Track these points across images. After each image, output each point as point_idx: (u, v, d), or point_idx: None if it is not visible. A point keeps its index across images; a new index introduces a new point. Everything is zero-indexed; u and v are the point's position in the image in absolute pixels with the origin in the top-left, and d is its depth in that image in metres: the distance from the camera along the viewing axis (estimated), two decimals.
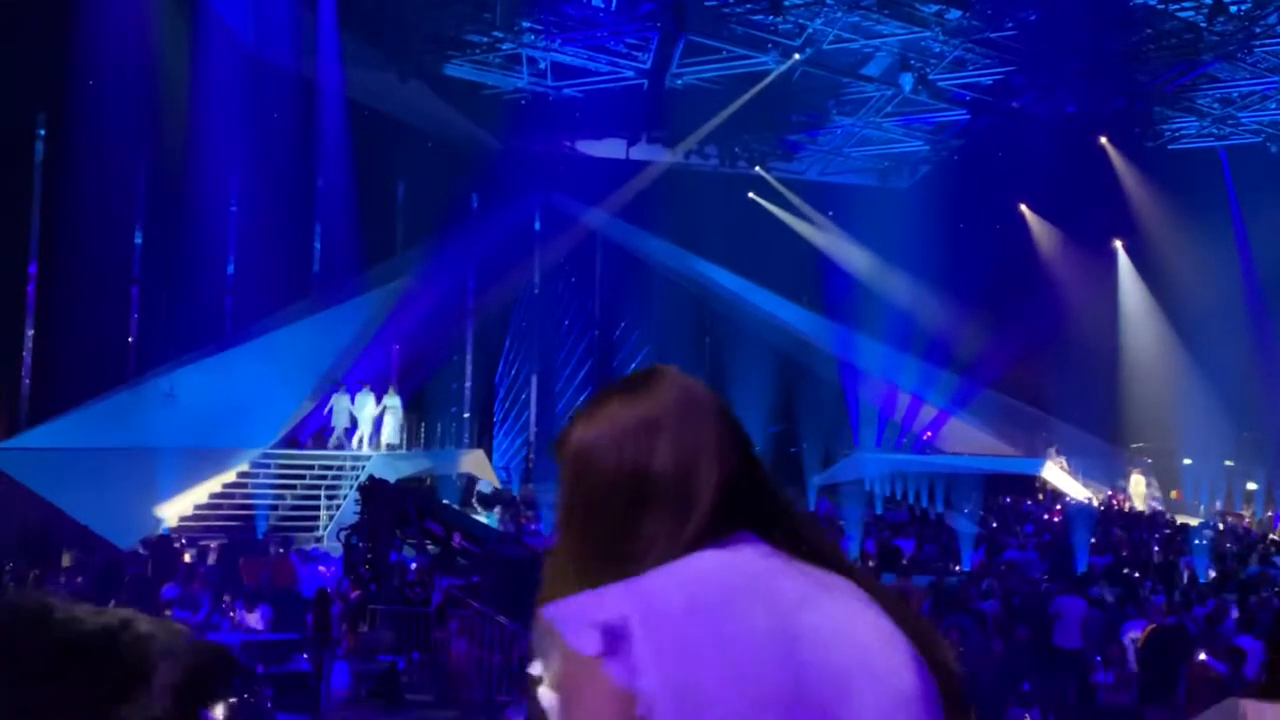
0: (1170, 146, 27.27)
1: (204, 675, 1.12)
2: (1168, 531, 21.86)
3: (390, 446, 21.89)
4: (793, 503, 1.44)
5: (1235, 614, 11.94)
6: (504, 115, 24.53)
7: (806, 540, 1.39)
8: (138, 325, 20.54)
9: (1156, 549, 19.88)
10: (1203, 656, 9.81)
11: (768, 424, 25.79)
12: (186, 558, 15.97)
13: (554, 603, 1.26)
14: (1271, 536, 22.42)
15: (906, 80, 23.56)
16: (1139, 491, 26.71)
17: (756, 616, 1.25)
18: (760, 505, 1.39)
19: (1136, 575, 16.03)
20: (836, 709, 1.22)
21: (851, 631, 1.28)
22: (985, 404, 28.30)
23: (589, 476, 1.38)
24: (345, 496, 19.70)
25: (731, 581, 1.28)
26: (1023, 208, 28.59)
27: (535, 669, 1.30)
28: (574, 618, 1.23)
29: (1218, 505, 26.51)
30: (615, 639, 1.21)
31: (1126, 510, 25.29)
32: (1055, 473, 27.09)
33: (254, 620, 12.29)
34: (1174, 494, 27.38)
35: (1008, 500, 25.70)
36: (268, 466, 20.37)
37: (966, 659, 9.47)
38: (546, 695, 1.29)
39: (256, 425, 20.50)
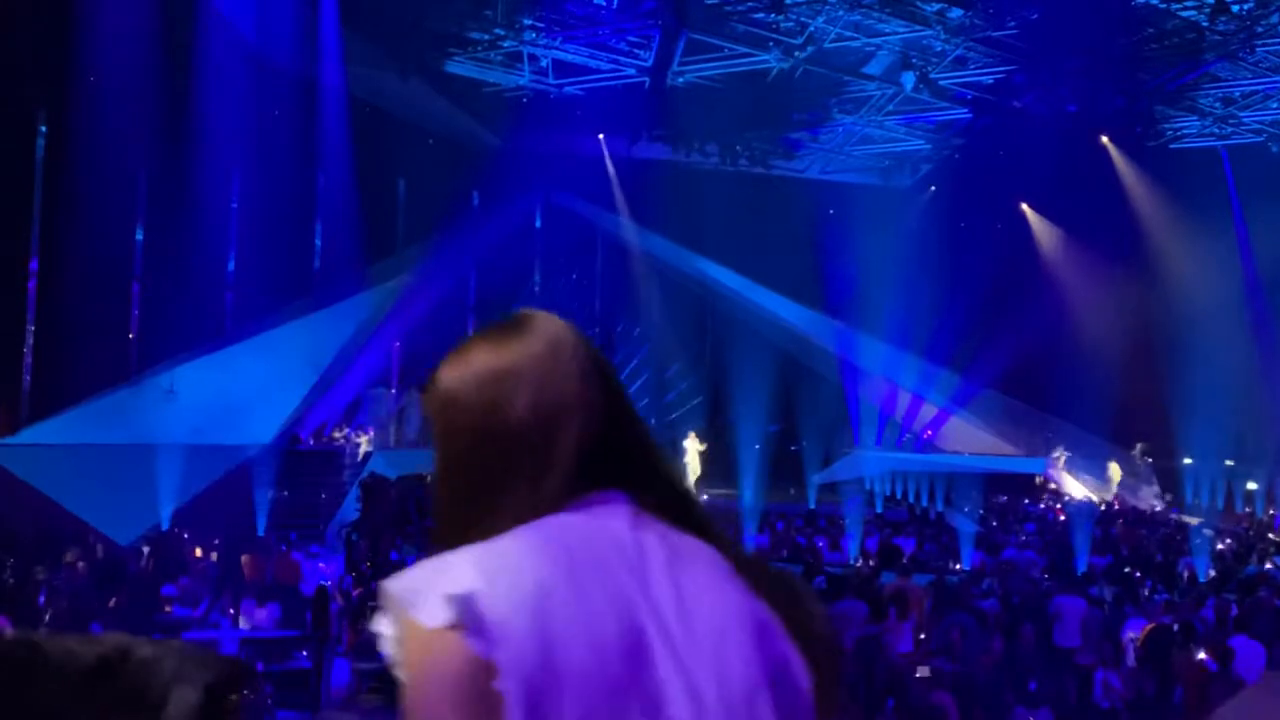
0: (1172, 146, 27.25)
1: (223, 690, 1.08)
2: (1168, 531, 21.87)
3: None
4: (665, 462, 1.37)
5: (1235, 614, 11.95)
6: (505, 113, 24.51)
7: (675, 503, 1.33)
8: (138, 322, 20.57)
9: (1157, 551, 19.86)
10: (1199, 655, 9.82)
11: (768, 422, 25.80)
12: (198, 552, 15.97)
13: (397, 576, 1.19)
14: (1271, 536, 22.40)
15: (908, 79, 23.54)
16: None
17: (606, 588, 1.19)
18: (630, 464, 1.32)
19: (1137, 575, 16.02)
20: (676, 692, 1.16)
21: (705, 606, 1.23)
22: (985, 403, 28.30)
23: (450, 427, 1.31)
24: (347, 494, 19.71)
25: (586, 549, 1.22)
26: (1024, 207, 28.60)
27: (381, 626, 1.21)
28: (419, 589, 1.16)
29: (1218, 505, 26.51)
30: (464, 610, 1.14)
31: (1129, 511, 25.28)
32: (1058, 473, 27.10)
33: (262, 617, 12.28)
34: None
35: (1004, 499, 25.70)
36: (268, 463, 20.37)
37: (968, 658, 9.49)
38: (388, 647, 1.21)
39: (257, 422, 20.52)
